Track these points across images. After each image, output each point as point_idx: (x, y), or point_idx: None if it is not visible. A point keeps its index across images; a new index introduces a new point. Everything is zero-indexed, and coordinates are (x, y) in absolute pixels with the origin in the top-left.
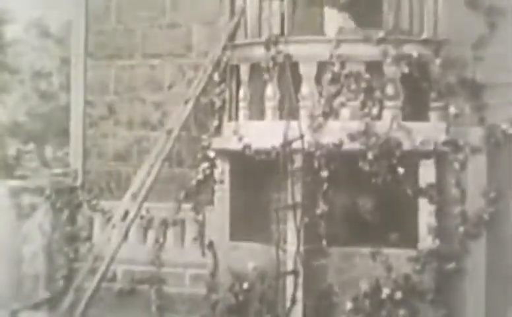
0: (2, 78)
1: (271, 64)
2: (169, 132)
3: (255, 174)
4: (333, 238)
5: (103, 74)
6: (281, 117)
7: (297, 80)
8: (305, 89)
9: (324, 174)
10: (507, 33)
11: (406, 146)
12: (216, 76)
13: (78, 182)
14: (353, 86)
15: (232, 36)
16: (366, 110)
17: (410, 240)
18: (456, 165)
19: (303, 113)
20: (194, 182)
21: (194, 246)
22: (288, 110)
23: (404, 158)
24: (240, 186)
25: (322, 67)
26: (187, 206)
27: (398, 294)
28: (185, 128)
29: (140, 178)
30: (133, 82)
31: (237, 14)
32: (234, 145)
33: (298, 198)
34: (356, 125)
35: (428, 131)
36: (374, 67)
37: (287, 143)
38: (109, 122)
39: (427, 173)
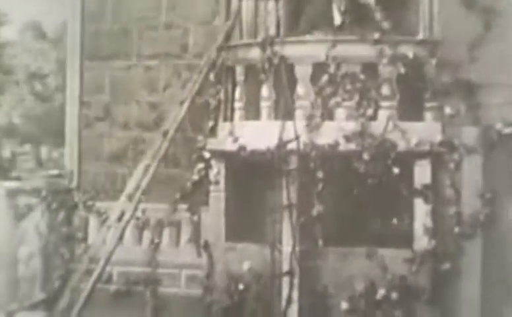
0: None
1: (267, 65)
2: (165, 133)
3: (251, 174)
4: (329, 238)
5: (98, 75)
6: (276, 118)
7: (292, 80)
8: (300, 90)
9: (320, 174)
10: (502, 33)
11: (402, 146)
12: (211, 77)
13: (74, 183)
14: (348, 87)
15: (228, 37)
16: (362, 110)
17: (406, 240)
18: (452, 165)
19: (298, 113)
20: (189, 183)
21: (189, 246)
22: (284, 111)
23: (399, 159)
24: (235, 187)
25: (317, 67)
26: (182, 207)
27: (394, 295)
28: (180, 129)
29: (135, 179)
30: (129, 83)
31: (233, 14)
32: (229, 146)
33: (294, 199)
34: (352, 126)
35: (423, 131)
36: (370, 67)
37: (282, 144)
38: (105, 123)
39: (422, 173)
